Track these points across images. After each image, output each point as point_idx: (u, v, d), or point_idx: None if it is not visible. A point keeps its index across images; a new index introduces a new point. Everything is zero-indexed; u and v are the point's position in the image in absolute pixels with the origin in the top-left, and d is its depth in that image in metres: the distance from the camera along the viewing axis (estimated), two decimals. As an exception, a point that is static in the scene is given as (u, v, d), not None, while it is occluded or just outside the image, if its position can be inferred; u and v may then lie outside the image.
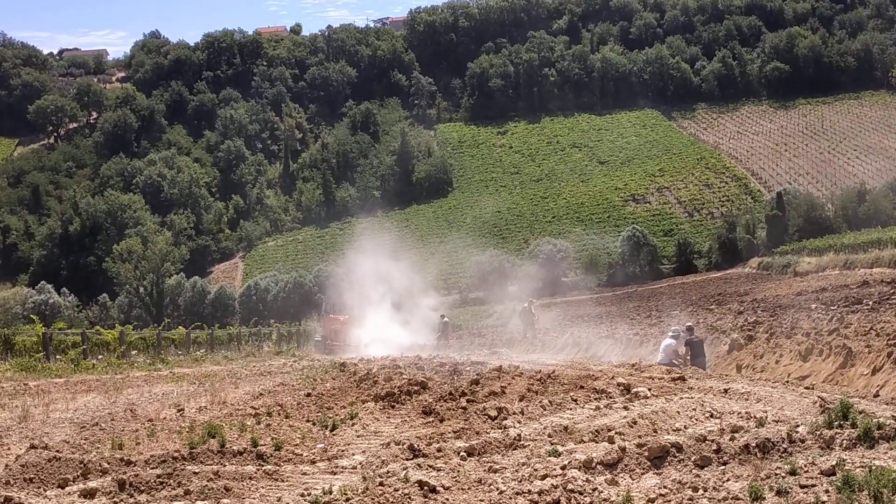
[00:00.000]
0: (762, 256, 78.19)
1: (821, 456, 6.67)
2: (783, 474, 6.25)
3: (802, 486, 5.98)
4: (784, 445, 7.06)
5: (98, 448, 9.02)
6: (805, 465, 6.39)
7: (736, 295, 44.47)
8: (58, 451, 8.41)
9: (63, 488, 7.16)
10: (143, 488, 7.03)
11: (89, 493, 6.86)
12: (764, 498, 5.83)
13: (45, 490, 7.14)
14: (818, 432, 7.25)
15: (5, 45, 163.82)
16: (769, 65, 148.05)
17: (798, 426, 7.70)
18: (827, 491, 5.82)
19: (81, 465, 7.71)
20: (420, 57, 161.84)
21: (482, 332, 48.91)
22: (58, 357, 21.43)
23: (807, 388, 12.78)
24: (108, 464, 7.85)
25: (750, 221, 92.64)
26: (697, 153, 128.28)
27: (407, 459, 7.83)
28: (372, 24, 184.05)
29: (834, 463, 6.29)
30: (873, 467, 5.95)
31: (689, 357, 18.23)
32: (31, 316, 27.19)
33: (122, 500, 6.70)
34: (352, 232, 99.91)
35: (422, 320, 40.07)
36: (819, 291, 34.26)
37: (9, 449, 9.20)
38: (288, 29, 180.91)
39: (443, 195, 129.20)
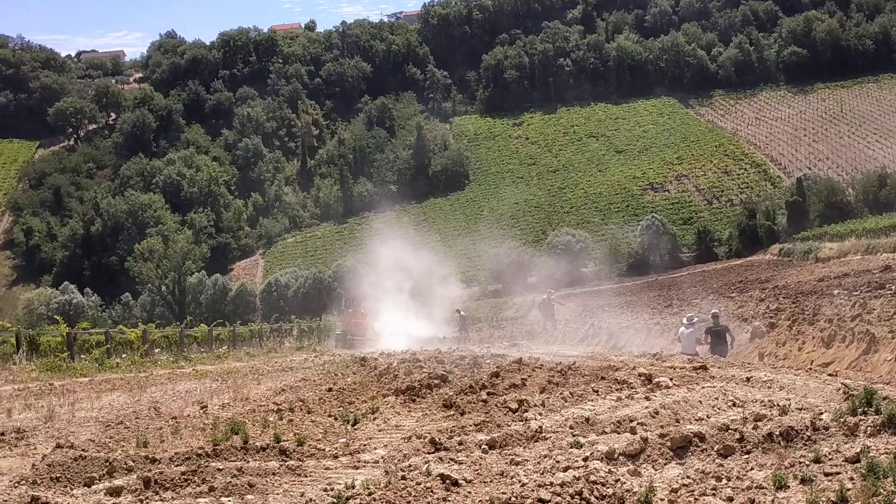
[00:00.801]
0: (783, 243, 77.68)
1: (845, 443, 6.62)
2: (807, 462, 6.21)
3: (827, 474, 5.94)
4: (808, 433, 7.01)
5: (123, 446, 9.10)
6: (829, 453, 6.35)
7: (757, 282, 44.21)
8: (83, 450, 8.49)
9: (89, 487, 7.24)
10: (167, 485, 7.09)
11: (115, 491, 6.92)
12: (788, 486, 5.80)
13: (71, 489, 7.21)
14: (842, 419, 7.19)
15: (24, 48, 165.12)
16: (786, 49, 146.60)
17: (822, 414, 7.65)
18: (851, 478, 5.78)
19: (107, 464, 7.79)
20: (434, 50, 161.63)
21: (501, 324, 48.86)
22: (82, 357, 21.64)
23: (830, 375, 12.68)
24: (134, 462, 7.92)
25: (770, 208, 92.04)
26: (716, 140, 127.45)
27: (428, 453, 7.85)
28: (386, 19, 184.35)
29: (858, 450, 6.25)
30: (898, 454, 5.90)
31: (709, 344, 18.20)
32: (56, 316, 27.44)
33: (147, 498, 6.76)
34: (369, 227, 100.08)
35: (442, 313, 40.07)
36: (841, 277, 33.99)
37: (35, 448, 9.30)
38: (302, 26, 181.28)
39: (460, 188, 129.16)
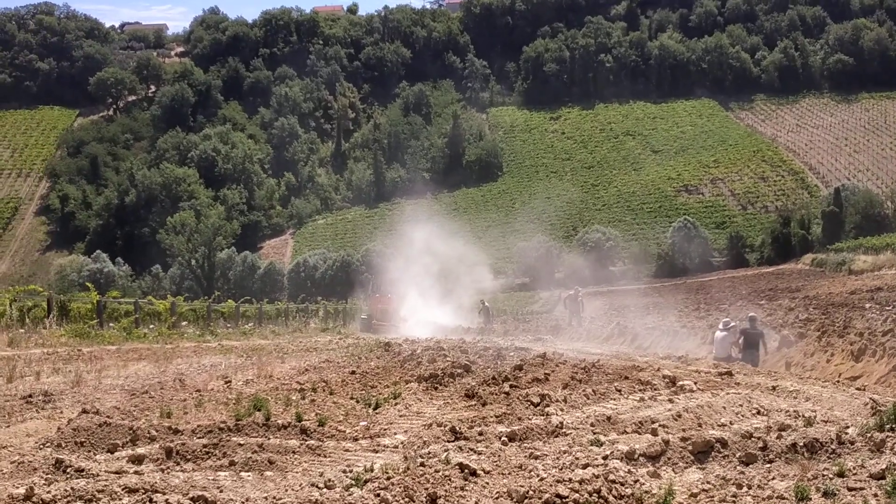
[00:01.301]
0: (816, 253, 76.63)
1: (870, 459, 6.53)
2: (830, 475, 6.13)
3: (850, 489, 5.86)
4: (832, 446, 6.92)
5: (147, 415, 9.21)
6: (854, 468, 6.26)
7: (787, 291, 43.64)
8: (108, 417, 8.61)
9: (112, 453, 7.33)
10: (189, 457, 7.17)
11: (137, 459, 7.01)
12: (810, 499, 5.73)
13: (94, 454, 7.31)
14: (868, 434, 7.09)
15: (69, 17, 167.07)
16: (832, 57, 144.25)
17: (848, 427, 7.54)
18: (875, 495, 5.70)
19: (131, 432, 7.89)
20: (475, 39, 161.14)
21: (526, 318, 48.77)
22: (111, 325, 21.94)
23: (858, 389, 12.51)
24: (157, 431, 8.02)
25: (805, 217, 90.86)
26: (754, 145, 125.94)
27: (448, 441, 7.86)
28: (428, 6, 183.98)
29: (884, 467, 6.15)
30: (925, 473, 5.81)
31: (742, 348, 18.06)
32: (87, 284, 27.84)
33: (168, 468, 6.84)
34: (401, 213, 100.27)
35: (468, 303, 40.08)
36: (874, 291, 33.45)
37: (62, 412, 9.44)
38: (345, 8, 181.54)
39: (493, 179, 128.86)
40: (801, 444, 6.94)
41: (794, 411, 9.44)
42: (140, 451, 7.27)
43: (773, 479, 6.26)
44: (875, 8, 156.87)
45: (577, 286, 42.39)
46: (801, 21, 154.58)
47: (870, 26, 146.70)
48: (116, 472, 6.48)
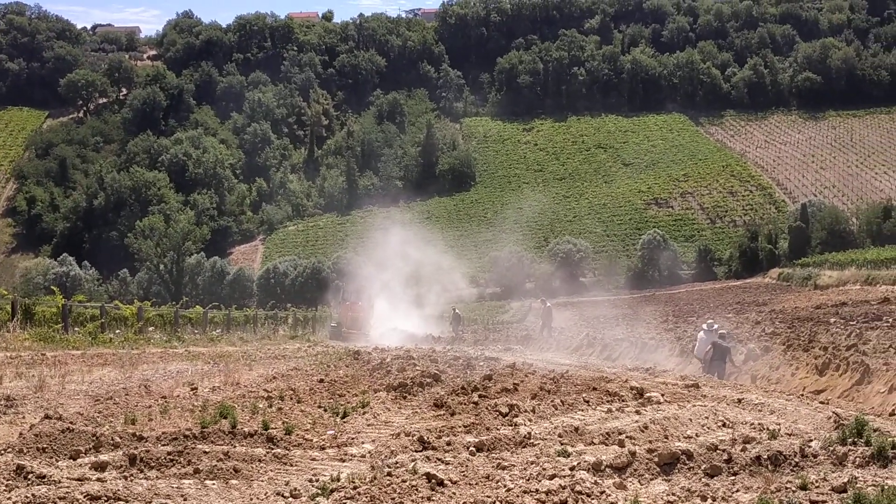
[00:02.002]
0: (783, 267, 77.57)
1: (833, 472, 6.61)
2: (793, 489, 6.20)
3: (812, 502, 5.93)
4: (796, 459, 7.00)
5: (111, 422, 9.10)
6: (816, 481, 6.34)
7: (754, 304, 44.15)
8: (71, 423, 8.49)
9: (75, 459, 7.24)
10: (153, 464, 7.09)
11: (100, 466, 6.92)
12: (773, 511, 5.79)
13: (57, 460, 7.21)
14: (831, 448, 7.18)
15: (40, 17, 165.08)
16: (801, 75, 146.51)
17: (811, 441, 7.64)
18: (837, 508, 5.78)
19: (94, 438, 7.79)
20: (450, 49, 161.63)
21: (497, 327, 48.82)
22: (76, 329, 21.63)
23: (822, 402, 12.68)
24: (121, 438, 7.92)
25: (773, 231, 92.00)
26: (723, 160, 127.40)
27: (416, 451, 7.85)
28: (404, 15, 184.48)
29: (846, 480, 6.24)
30: (886, 487, 5.90)
31: (710, 359, 18.44)
32: (52, 287, 27.46)
33: (132, 475, 6.76)
34: (372, 221, 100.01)
35: (438, 312, 40.06)
36: (839, 306, 33.96)
37: (24, 418, 9.30)
38: (320, 15, 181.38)
39: (465, 189, 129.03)
40: (766, 456, 7.01)
41: (759, 424, 9.54)
42: (103, 457, 7.18)
43: (738, 491, 6.32)
44: (843, 27, 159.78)
45: (543, 297, 42.63)
46: (770, 39, 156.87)
47: (837, 45, 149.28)
48: (79, 479, 6.39)
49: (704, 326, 19.87)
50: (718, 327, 20.02)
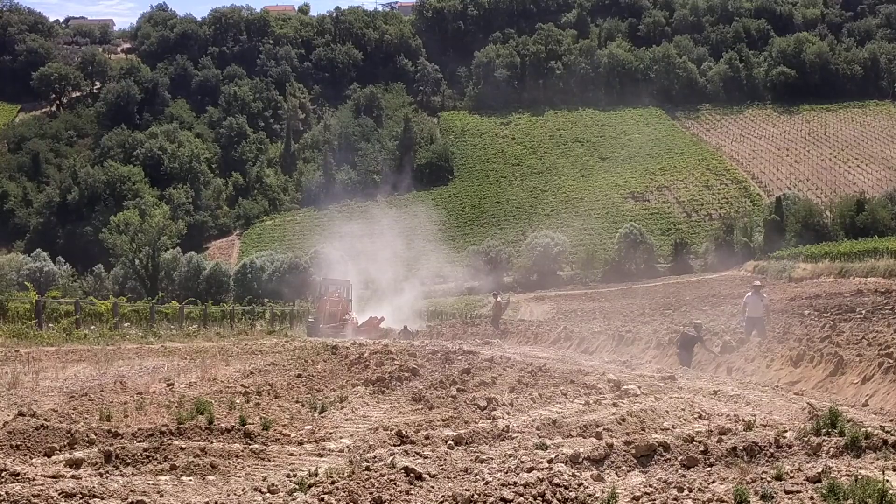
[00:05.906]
0: (758, 260, 78.24)
1: (807, 462, 6.68)
2: (769, 479, 6.26)
3: (787, 492, 5.99)
4: (771, 450, 7.07)
5: (86, 418, 9.02)
6: (791, 471, 6.40)
7: (730, 297, 44.48)
8: (46, 420, 8.40)
9: (49, 457, 7.16)
10: (129, 461, 7.04)
11: (75, 463, 6.85)
12: (748, 502, 5.84)
13: (31, 458, 7.13)
14: (806, 439, 7.26)
15: (12, 10, 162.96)
16: (775, 69, 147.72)
17: (786, 431, 7.71)
18: (812, 498, 5.83)
19: (69, 435, 7.71)
20: (427, 43, 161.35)
21: (475, 321, 48.82)
22: (50, 325, 21.42)
23: (796, 393, 12.80)
24: (96, 435, 7.85)
25: (748, 225, 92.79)
26: (699, 154, 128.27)
27: (394, 445, 7.84)
28: (381, 8, 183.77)
29: (820, 470, 6.30)
30: (859, 476, 5.96)
31: (678, 347, 18.81)
32: (26, 283, 27.19)
33: (107, 472, 6.70)
34: (350, 215, 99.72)
35: (413, 306, 40.01)
36: (813, 298, 34.34)
37: (-3, 415, 9.19)
38: (296, 8, 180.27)
39: (443, 183, 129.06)
40: (741, 447, 7.07)
41: (735, 415, 9.62)
42: (78, 454, 7.11)
43: (714, 482, 6.37)
44: (817, 22, 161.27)
45: (496, 291, 42.73)
46: (745, 33, 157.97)
47: (812, 40, 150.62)
48: (53, 477, 6.32)
49: (751, 291, 20.52)
50: (762, 286, 20.94)
